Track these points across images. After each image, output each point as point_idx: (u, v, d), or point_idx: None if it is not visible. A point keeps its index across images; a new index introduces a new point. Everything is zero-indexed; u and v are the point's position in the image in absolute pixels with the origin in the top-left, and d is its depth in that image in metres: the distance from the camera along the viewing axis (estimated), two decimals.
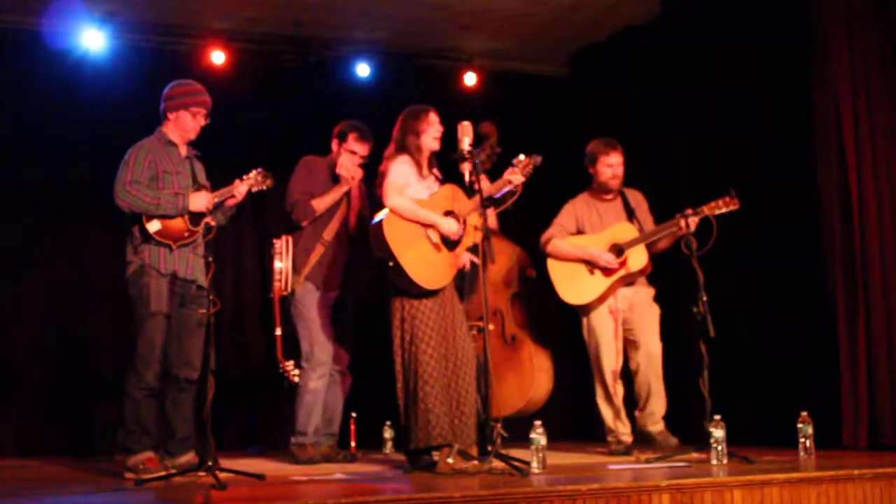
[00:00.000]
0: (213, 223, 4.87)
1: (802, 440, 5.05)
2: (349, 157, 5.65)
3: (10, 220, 6.60)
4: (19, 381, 6.60)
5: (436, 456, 4.75)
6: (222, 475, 4.31)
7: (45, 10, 6.54)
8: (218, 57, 7.13)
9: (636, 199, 5.90)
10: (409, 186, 4.99)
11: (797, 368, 5.92)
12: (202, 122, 5.10)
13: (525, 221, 6.09)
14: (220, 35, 7.16)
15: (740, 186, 5.46)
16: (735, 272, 6.23)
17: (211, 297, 4.58)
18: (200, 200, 4.94)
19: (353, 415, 6.40)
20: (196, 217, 4.97)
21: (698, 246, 5.21)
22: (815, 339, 5.81)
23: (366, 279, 6.80)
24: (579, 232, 5.88)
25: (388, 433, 6.23)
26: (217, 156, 6.66)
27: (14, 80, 6.57)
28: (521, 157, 5.06)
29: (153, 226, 4.88)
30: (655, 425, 5.78)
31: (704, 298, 5.06)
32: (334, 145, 5.76)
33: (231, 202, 5.11)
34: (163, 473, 4.60)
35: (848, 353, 5.61)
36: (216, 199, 5.01)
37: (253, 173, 5.13)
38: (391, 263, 4.86)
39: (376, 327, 6.99)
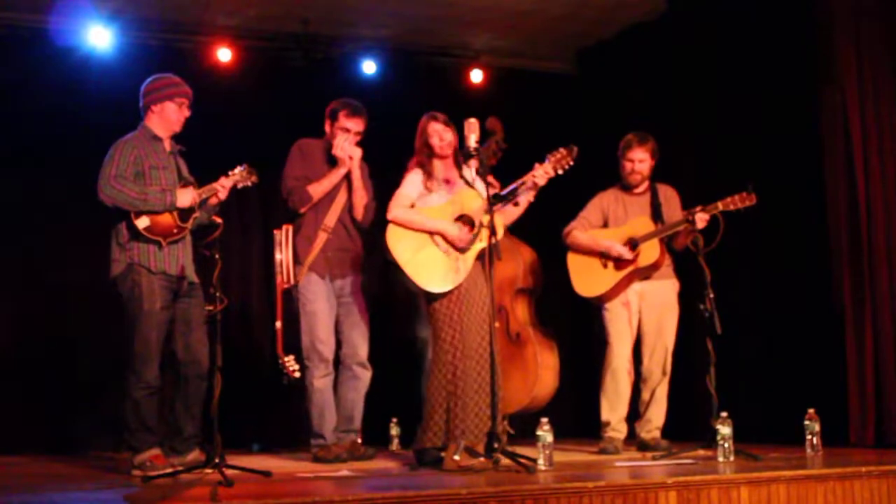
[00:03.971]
0: (218, 220, 4.87)
1: (809, 437, 5.04)
2: (344, 137, 5.45)
3: (11, 220, 6.61)
4: None
5: (442, 453, 4.77)
6: (229, 472, 4.31)
7: (52, 8, 6.55)
8: (224, 54, 7.13)
9: (666, 194, 5.88)
10: (423, 197, 5.06)
11: (804, 366, 5.92)
12: (186, 112, 5.07)
13: (530, 220, 6.09)
14: (226, 32, 7.16)
15: (745, 183, 5.45)
16: (742, 270, 6.22)
17: (218, 294, 4.57)
18: (187, 197, 4.90)
19: None
20: (185, 213, 4.93)
21: (705, 243, 5.22)
22: (821, 336, 5.81)
23: (371, 273, 6.80)
24: (605, 225, 5.88)
25: (394, 430, 6.24)
26: (222, 153, 6.69)
27: (20, 77, 6.58)
28: (562, 150, 5.06)
29: (142, 222, 4.84)
30: (649, 433, 5.81)
31: (711, 296, 5.07)
32: (327, 126, 5.56)
33: (214, 200, 5.04)
34: (169, 470, 4.60)
35: (855, 350, 5.61)
36: (203, 195, 4.98)
37: (238, 169, 5.08)
38: (398, 270, 4.93)
39: (383, 324, 7.03)
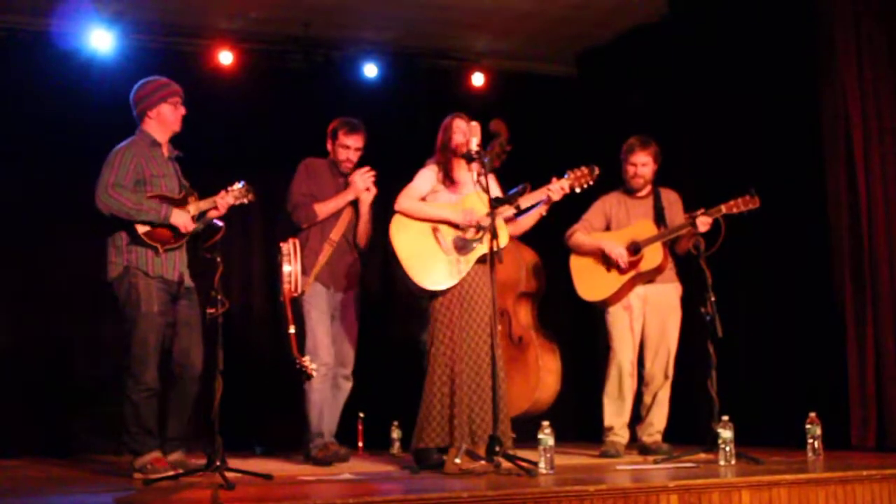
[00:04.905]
0: (220, 223, 4.90)
1: (810, 441, 5.04)
2: (370, 174, 5.65)
3: (11, 220, 6.61)
4: None
5: (444, 455, 4.78)
6: (230, 475, 4.32)
7: (54, 11, 6.55)
8: (225, 57, 7.13)
9: (669, 198, 5.89)
10: (436, 193, 5.11)
11: (805, 369, 5.91)
12: (182, 110, 5.11)
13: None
14: (227, 35, 7.16)
15: (747, 186, 5.45)
16: (743, 272, 6.22)
17: (219, 297, 4.59)
18: (181, 218, 4.92)
19: (361, 415, 6.42)
20: None
21: (707, 246, 5.22)
22: (823, 339, 5.81)
23: (372, 277, 6.84)
24: (608, 228, 5.89)
25: (395, 433, 6.24)
26: (224, 156, 6.72)
27: (22, 80, 6.58)
28: (584, 168, 5.08)
29: (142, 227, 4.88)
30: (650, 437, 5.81)
31: (712, 299, 5.07)
32: (329, 145, 5.79)
33: (213, 214, 5.09)
34: (170, 473, 4.60)
35: (856, 354, 5.61)
36: (202, 208, 5.03)
37: (236, 186, 5.14)
38: (396, 264, 4.96)
39: (383, 328, 7.03)
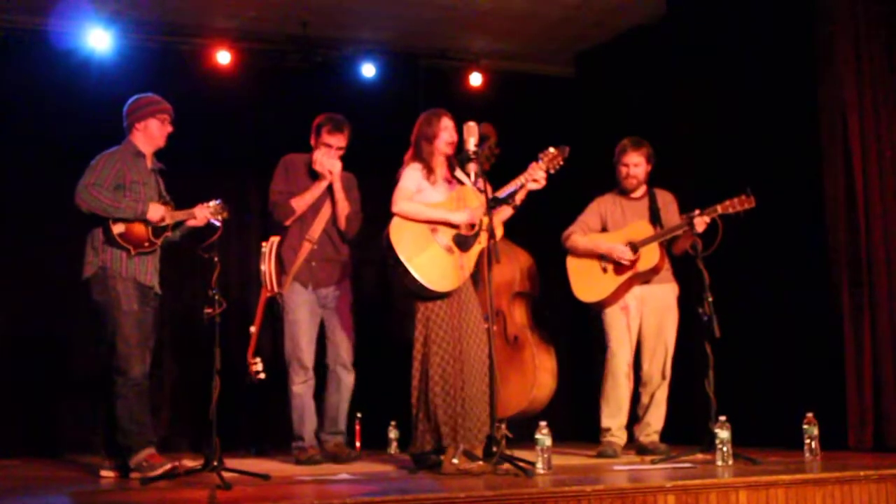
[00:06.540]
0: (218, 223, 4.93)
1: (808, 441, 5.04)
2: (324, 152, 5.64)
3: (7, 218, 6.60)
4: None
5: (441, 456, 4.77)
6: (227, 475, 4.32)
7: (52, 10, 6.55)
8: (223, 57, 7.13)
9: (665, 199, 5.89)
10: (421, 192, 5.05)
11: (802, 369, 5.91)
12: (169, 128, 5.23)
13: (528, 224, 6.08)
14: (225, 35, 7.16)
15: (744, 187, 5.45)
16: (740, 272, 6.22)
17: (217, 297, 4.61)
18: (156, 212, 5.03)
19: (359, 415, 6.42)
20: (158, 230, 5.06)
21: (704, 247, 5.22)
22: (820, 339, 5.81)
23: (370, 277, 6.84)
24: (604, 229, 5.89)
25: (392, 433, 6.25)
26: (222, 155, 6.72)
27: (20, 79, 6.58)
28: (551, 149, 5.04)
29: (118, 228, 4.97)
30: (647, 437, 5.81)
31: (710, 299, 5.08)
32: (312, 140, 5.74)
33: (192, 223, 5.17)
34: (168, 467, 4.63)
35: (853, 354, 5.61)
36: (178, 218, 5.11)
37: (212, 203, 5.18)
38: (400, 269, 4.89)
39: (381, 327, 7.03)
